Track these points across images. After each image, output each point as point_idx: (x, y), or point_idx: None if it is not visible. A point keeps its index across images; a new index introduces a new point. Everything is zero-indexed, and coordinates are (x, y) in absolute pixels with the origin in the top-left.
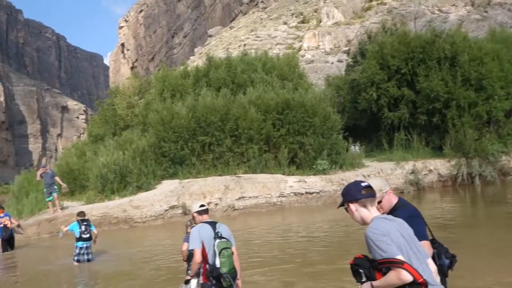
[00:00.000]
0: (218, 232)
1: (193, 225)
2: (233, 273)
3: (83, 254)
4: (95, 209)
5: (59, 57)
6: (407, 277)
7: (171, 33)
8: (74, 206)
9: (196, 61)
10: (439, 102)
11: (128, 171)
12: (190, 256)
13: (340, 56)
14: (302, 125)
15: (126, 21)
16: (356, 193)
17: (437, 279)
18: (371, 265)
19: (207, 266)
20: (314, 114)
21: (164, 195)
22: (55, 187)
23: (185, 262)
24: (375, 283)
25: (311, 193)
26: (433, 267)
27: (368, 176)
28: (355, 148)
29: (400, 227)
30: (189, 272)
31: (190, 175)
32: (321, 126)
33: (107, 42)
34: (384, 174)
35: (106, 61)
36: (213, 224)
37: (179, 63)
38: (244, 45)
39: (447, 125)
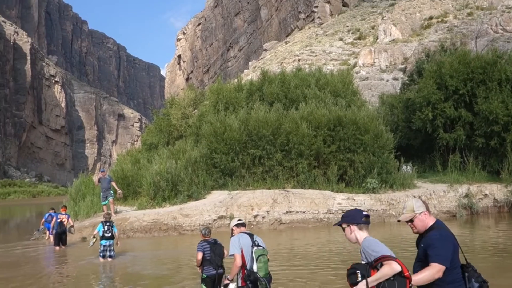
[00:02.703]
0: (256, 241)
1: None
2: (268, 277)
3: (106, 250)
4: (146, 215)
5: (118, 66)
6: (397, 267)
7: (226, 46)
8: (127, 210)
9: (250, 74)
10: (498, 125)
11: (179, 180)
12: (203, 261)
13: (395, 74)
14: (353, 142)
15: (184, 33)
16: (358, 219)
17: None
18: (367, 266)
19: (245, 270)
20: (366, 132)
21: (213, 205)
22: (111, 192)
23: (198, 268)
24: (370, 278)
25: None
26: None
27: (419, 197)
28: (407, 168)
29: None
30: (226, 276)
31: (239, 187)
32: (373, 144)
33: (165, 54)
34: (436, 196)
35: (163, 72)
36: (250, 234)
37: (233, 76)
38: (299, 60)
39: (506, 149)
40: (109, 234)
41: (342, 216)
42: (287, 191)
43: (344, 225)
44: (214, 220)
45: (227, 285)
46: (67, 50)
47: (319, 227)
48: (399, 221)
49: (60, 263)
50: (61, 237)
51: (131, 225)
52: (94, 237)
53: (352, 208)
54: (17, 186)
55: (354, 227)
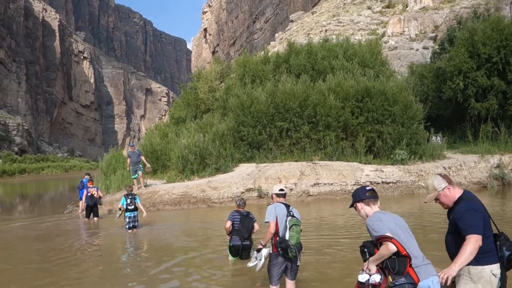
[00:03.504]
0: (291, 211)
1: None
2: (299, 246)
3: (131, 222)
4: (175, 188)
5: (145, 41)
6: (393, 248)
7: (252, 18)
8: (157, 184)
9: (277, 46)
10: None
11: (207, 153)
12: (232, 231)
13: (426, 43)
14: (382, 113)
15: (209, 6)
16: (362, 195)
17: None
18: (372, 245)
19: (277, 237)
20: (395, 103)
21: (241, 177)
22: (141, 165)
23: (227, 236)
24: (371, 258)
25: (387, 183)
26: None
27: (449, 168)
28: (437, 139)
29: (395, 219)
30: (259, 243)
31: (266, 160)
32: (401, 115)
33: (191, 27)
34: (466, 167)
35: (189, 46)
36: (287, 205)
37: (259, 48)
38: (326, 30)
39: None
40: (132, 206)
41: (352, 196)
42: (315, 163)
43: (354, 205)
44: (242, 192)
45: (260, 249)
46: (94, 25)
47: (347, 198)
48: (425, 202)
49: (91, 234)
50: (92, 209)
51: (160, 198)
52: (119, 209)
53: (380, 179)
54: (50, 161)
55: (361, 204)
